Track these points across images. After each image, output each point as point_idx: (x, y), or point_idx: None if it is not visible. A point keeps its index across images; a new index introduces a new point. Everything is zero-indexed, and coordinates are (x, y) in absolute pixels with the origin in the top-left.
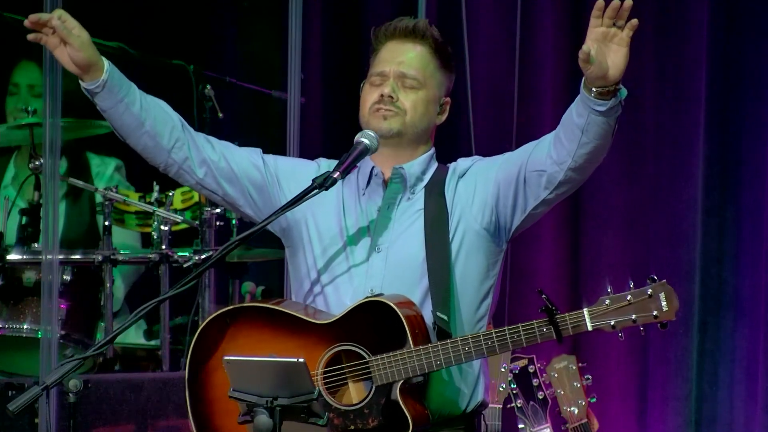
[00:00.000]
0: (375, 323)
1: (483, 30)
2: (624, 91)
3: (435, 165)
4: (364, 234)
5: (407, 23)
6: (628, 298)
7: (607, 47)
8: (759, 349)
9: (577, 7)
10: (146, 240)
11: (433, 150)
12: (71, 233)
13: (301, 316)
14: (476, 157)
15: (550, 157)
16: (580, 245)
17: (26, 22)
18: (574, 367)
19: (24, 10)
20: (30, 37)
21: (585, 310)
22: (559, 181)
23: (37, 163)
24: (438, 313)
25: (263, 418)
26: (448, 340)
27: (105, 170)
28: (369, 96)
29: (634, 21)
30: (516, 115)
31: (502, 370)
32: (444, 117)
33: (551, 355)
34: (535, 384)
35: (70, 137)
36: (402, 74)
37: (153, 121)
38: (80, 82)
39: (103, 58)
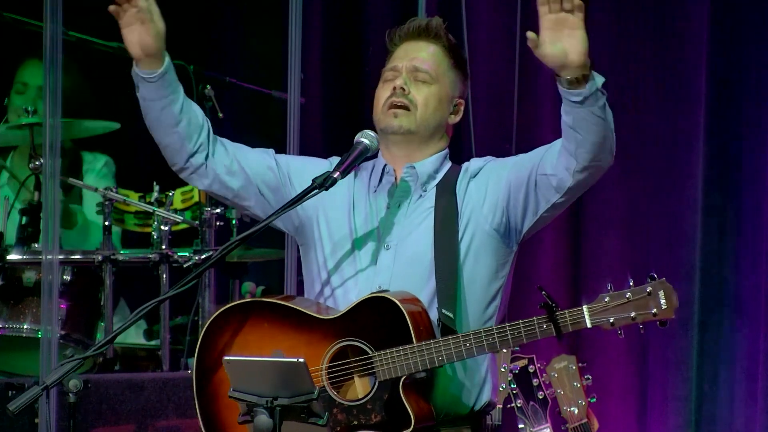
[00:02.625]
0: (379, 319)
1: (483, 30)
2: (599, 78)
3: (448, 164)
4: (373, 231)
5: (420, 22)
6: (628, 296)
7: (560, 34)
8: (759, 349)
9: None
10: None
11: (447, 150)
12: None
13: (306, 311)
14: (489, 157)
15: (559, 162)
16: (580, 246)
17: None
18: (574, 367)
19: (24, 10)
20: (111, 9)
21: (584, 307)
22: (569, 187)
23: (37, 163)
24: (443, 311)
25: (263, 418)
26: (450, 336)
27: (95, 165)
28: (382, 93)
29: (578, 2)
30: (516, 115)
31: (502, 370)
32: (457, 118)
33: (551, 355)
34: (535, 384)
35: (64, 137)
36: (414, 68)
37: (187, 123)
38: (134, 66)
39: (165, 53)
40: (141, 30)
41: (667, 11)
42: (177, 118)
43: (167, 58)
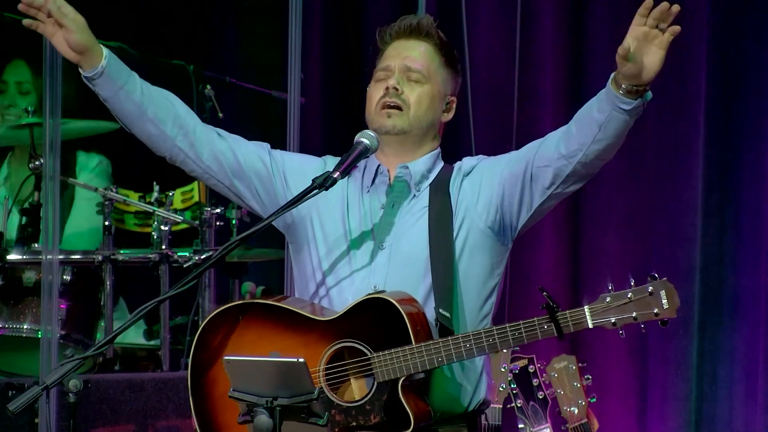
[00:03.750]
0: (377, 320)
1: (483, 30)
2: (649, 94)
3: (441, 164)
4: (367, 232)
5: (411, 21)
6: (629, 296)
7: (646, 48)
8: (759, 349)
9: (578, 8)
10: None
11: (439, 149)
12: None
13: (304, 312)
14: (481, 156)
15: (558, 152)
16: (580, 245)
17: (20, 6)
18: (574, 367)
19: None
20: (26, 22)
21: (586, 308)
22: (567, 175)
23: (37, 163)
24: (440, 311)
25: (263, 418)
26: (450, 337)
27: (88, 164)
28: (375, 92)
29: (677, 27)
30: (516, 115)
31: (502, 370)
32: (450, 115)
33: (551, 355)
34: (535, 384)
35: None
36: (407, 68)
37: (155, 108)
38: (80, 70)
39: (103, 47)
40: (63, 32)
41: None
42: (142, 106)
43: (106, 51)
